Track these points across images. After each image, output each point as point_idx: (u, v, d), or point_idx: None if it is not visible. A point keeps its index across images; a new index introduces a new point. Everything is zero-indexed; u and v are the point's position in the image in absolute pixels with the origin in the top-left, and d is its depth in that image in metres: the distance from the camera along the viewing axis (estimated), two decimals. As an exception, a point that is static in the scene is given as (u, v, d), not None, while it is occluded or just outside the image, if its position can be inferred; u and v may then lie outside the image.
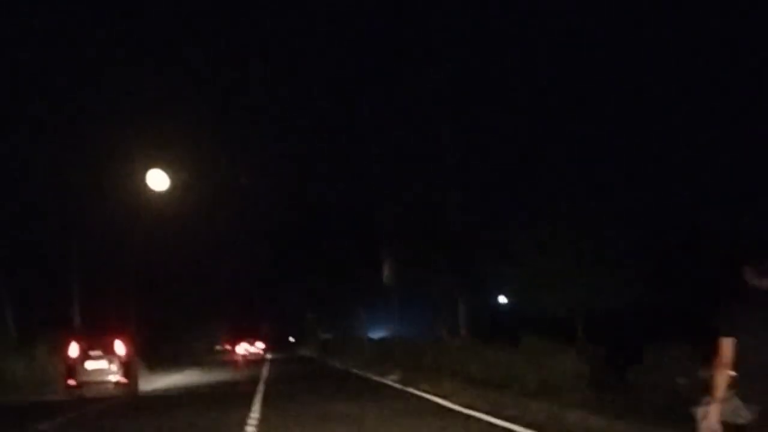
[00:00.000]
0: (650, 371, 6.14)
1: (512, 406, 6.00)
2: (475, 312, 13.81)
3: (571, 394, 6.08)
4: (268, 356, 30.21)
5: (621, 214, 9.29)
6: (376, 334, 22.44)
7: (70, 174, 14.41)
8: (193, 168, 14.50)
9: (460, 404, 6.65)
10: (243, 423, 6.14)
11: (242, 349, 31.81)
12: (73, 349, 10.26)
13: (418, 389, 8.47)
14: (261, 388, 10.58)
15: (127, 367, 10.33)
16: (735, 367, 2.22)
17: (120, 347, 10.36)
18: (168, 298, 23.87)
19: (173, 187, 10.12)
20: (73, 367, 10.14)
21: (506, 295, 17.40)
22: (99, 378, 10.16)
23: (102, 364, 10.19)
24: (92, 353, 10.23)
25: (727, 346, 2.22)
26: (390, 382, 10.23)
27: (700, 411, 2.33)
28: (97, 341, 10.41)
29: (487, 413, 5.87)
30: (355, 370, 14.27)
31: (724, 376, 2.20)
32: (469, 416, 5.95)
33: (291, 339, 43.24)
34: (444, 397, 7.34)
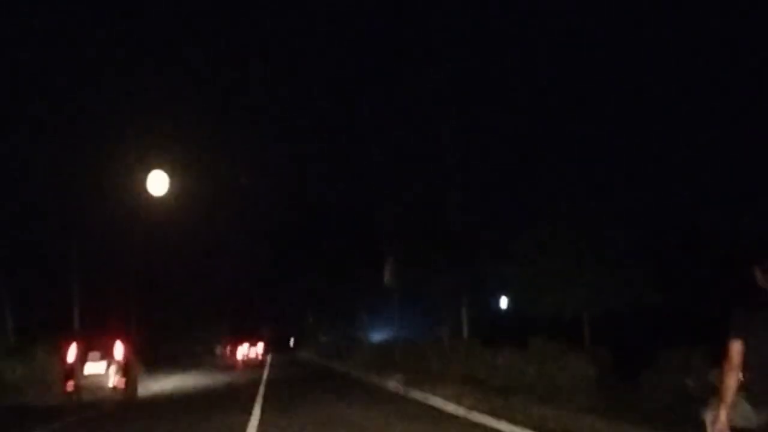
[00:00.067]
0: (659, 374, 6.05)
1: (518, 411, 5.89)
2: (477, 313, 13.73)
3: (579, 398, 5.97)
4: (268, 358, 30.11)
5: (623, 214, 9.24)
6: (377, 337, 22.34)
7: (70, 174, 14.36)
8: (193, 168, 14.47)
9: (464, 408, 6.55)
10: (244, 427, 6.06)
11: (242, 351, 31.69)
12: (72, 352, 10.16)
13: (421, 392, 8.35)
14: (261, 391, 10.51)
15: (126, 369, 10.22)
16: (744, 370, 2.18)
17: (119, 350, 10.25)
18: (168, 300, 23.78)
19: (173, 188, 10.04)
20: (72, 370, 10.04)
21: (507, 297, 17.31)
22: (97, 381, 10.05)
23: (100, 366, 10.09)
24: (91, 356, 10.12)
25: (736, 348, 2.17)
26: (392, 386, 10.14)
27: (708, 414, 2.27)
28: (95, 343, 10.31)
29: (493, 417, 5.77)
30: (356, 373, 14.20)
31: (732, 378, 2.15)
32: (473, 421, 5.86)
33: (291, 341, 43.13)
34: (447, 400, 7.22)
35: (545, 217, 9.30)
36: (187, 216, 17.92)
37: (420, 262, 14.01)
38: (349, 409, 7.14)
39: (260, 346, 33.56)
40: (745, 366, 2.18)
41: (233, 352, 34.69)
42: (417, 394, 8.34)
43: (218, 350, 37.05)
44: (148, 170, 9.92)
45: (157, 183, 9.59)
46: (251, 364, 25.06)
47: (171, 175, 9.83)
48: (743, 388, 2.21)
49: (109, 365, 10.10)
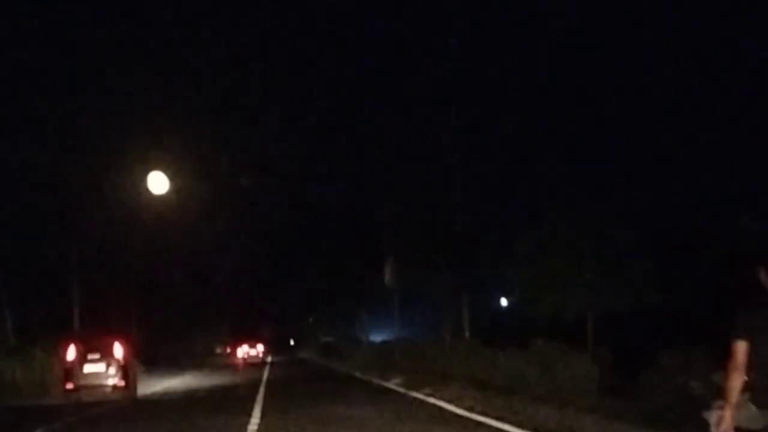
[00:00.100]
0: (661, 374, 6.02)
1: (521, 411, 5.86)
2: (477, 314, 13.70)
3: (582, 399, 5.94)
4: (269, 359, 30.07)
5: (624, 214, 9.22)
6: (378, 337, 22.30)
7: (70, 174, 14.35)
8: (193, 168, 14.45)
9: (466, 409, 6.52)
10: (244, 427, 6.03)
11: (242, 351, 31.69)
12: (71, 352, 10.12)
13: (422, 393, 8.32)
14: (262, 391, 10.46)
15: (125, 370, 10.18)
16: (749, 371, 2.14)
17: (118, 350, 10.22)
18: (168, 300, 23.77)
19: (173, 188, 10.02)
20: (71, 371, 10.00)
21: (507, 297, 17.28)
22: (97, 381, 10.02)
23: (100, 367, 10.05)
24: (90, 356, 10.09)
25: (740, 348, 2.14)
26: (393, 386, 10.09)
27: (713, 416, 2.25)
28: (95, 344, 10.28)
29: (495, 418, 5.74)
30: (356, 374, 14.17)
31: (737, 379, 2.12)
32: (475, 421, 5.81)
33: (291, 342, 43.11)
34: (449, 401, 7.21)
35: (546, 217, 9.29)
36: (188, 216, 17.91)
37: (420, 262, 14.00)
38: (350, 409, 7.11)
39: (260, 347, 33.55)
40: (750, 366, 2.15)
41: (233, 352, 34.66)
42: (418, 395, 8.31)
43: (218, 350, 37.03)
44: (148, 170, 9.92)
45: (157, 183, 9.58)
46: (251, 364, 24.99)
47: (171, 176, 9.83)
48: (748, 389, 2.17)
49: (108, 365, 10.08)
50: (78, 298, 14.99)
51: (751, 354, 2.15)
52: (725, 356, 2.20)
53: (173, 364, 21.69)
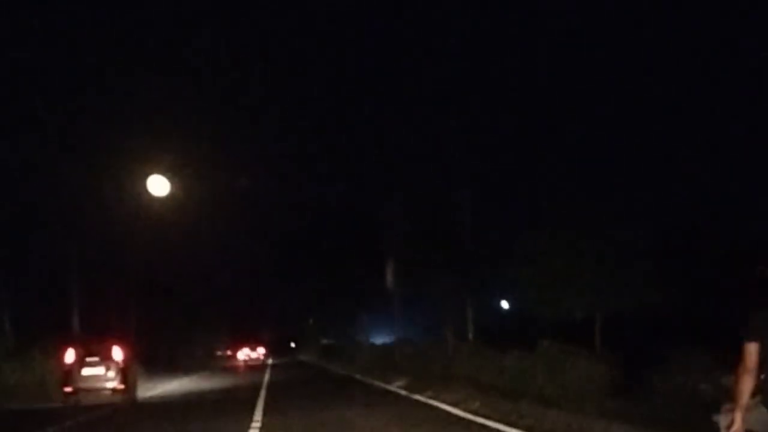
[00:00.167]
0: (671, 377, 5.90)
1: (528, 415, 5.74)
2: (479, 315, 13.59)
3: (590, 402, 5.82)
4: (269, 361, 29.94)
5: (629, 213, 9.12)
6: (378, 339, 22.17)
7: (70, 174, 14.29)
8: (193, 169, 14.35)
9: (471, 412, 6.40)
10: (245, 430, 5.91)
11: (243, 354, 31.56)
12: (69, 355, 10.02)
13: (425, 396, 8.20)
14: (263, 394, 10.36)
15: (125, 373, 10.07)
16: (760, 373, 2.10)
17: (117, 353, 10.12)
18: (168, 302, 23.66)
19: (173, 190, 9.94)
20: (69, 374, 9.90)
21: (510, 298, 17.17)
22: (96, 384, 9.91)
23: (99, 370, 9.94)
24: (89, 359, 9.98)
25: (751, 350, 2.10)
26: (395, 389, 9.98)
27: (722, 419, 2.19)
28: (94, 346, 10.18)
29: (501, 422, 5.62)
30: (358, 376, 14.05)
31: (747, 381, 2.08)
32: (481, 425, 5.69)
33: (292, 344, 42.98)
34: (453, 404, 7.09)
35: (550, 217, 9.20)
36: (187, 217, 17.82)
37: (421, 262, 13.90)
38: (352, 412, 7.00)
39: (261, 349, 33.37)
40: (761, 368, 2.10)
41: (234, 355, 34.50)
42: (421, 397, 8.19)
43: (219, 353, 36.90)
44: (149, 171, 9.83)
45: (158, 184, 9.50)
46: (252, 367, 24.86)
47: (171, 176, 9.75)
48: (759, 391, 2.12)
49: (107, 368, 9.97)
50: (78, 299, 14.88)
51: (762, 355, 2.09)
52: (735, 358, 2.16)
53: (174, 367, 21.56)
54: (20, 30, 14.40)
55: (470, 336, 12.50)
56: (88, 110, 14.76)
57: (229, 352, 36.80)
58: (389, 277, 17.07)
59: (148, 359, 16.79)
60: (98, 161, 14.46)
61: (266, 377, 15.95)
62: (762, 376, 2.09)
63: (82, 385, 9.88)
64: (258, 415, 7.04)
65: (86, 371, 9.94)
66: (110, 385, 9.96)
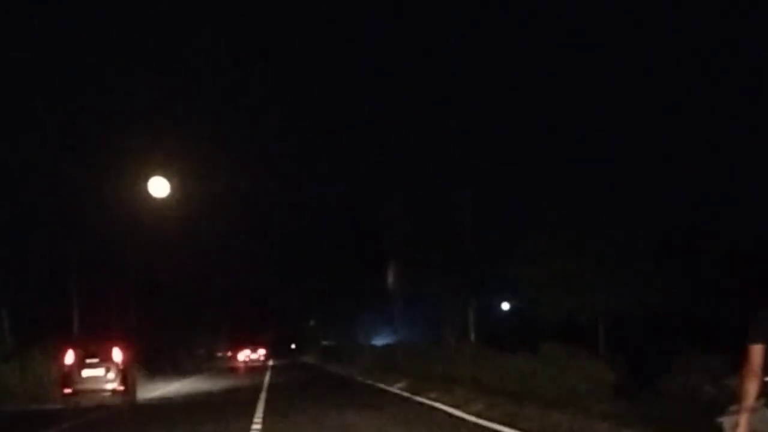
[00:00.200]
0: (676, 379, 5.83)
1: (531, 417, 5.67)
2: (480, 316, 13.51)
3: (595, 404, 5.74)
4: (270, 363, 29.85)
5: (632, 214, 9.05)
6: (380, 339, 22.09)
7: (70, 174, 14.25)
8: (193, 169, 14.31)
9: (474, 414, 6.33)
10: (245, 433, 5.87)
11: (243, 355, 31.48)
12: (69, 356, 9.95)
13: (428, 398, 8.13)
14: (263, 396, 10.28)
15: (124, 374, 10.00)
16: (765, 375, 2.04)
17: (117, 354, 10.05)
18: (169, 304, 23.59)
19: (173, 191, 9.88)
20: (69, 375, 9.82)
21: (511, 300, 17.08)
22: (95, 386, 9.83)
23: (98, 371, 9.87)
24: (88, 360, 9.91)
25: (757, 352, 2.05)
26: (397, 390, 9.89)
27: (727, 421, 2.14)
28: (94, 348, 10.11)
29: (504, 424, 5.55)
30: (359, 378, 13.98)
31: (753, 383, 2.03)
32: (484, 427, 5.63)
33: (292, 346, 42.90)
34: (456, 406, 7.02)
35: (550, 217, 9.13)
36: (188, 218, 17.77)
37: (422, 262, 13.83)
38: (353, 414, 6.94)
39: (261, 351, 33.28)
40: (766, 370, 2.05)
41: (234, 356, 34.41)
42: (423, 399, 8.11)
43: (219, 354, 36.80)
44: (149, 171, 9.78)
45: (158, 186, 9.45)
46: (252, 368, 24.78)
47: (170, 176, 9.69)
48: (764, 393, 2.06)
49: (107, 369, 9.90)
50: (77, 299, 14.82)
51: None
52: (740, 359, 2.12)
53: (174, 368, 21.48)
54: (20, 30, 14.40)
55: (472, 337, 12.41)
56: (88, 110, 14.75)
57: (229, 354, 36.71)
58: (390, 278, 16.99)
59: (148, 360, 16.71)
60: (98, 161, 14.44)
61: (267, 379, 15.87)
62: (767, 378, 2.04)
63: (82, 386, 9.81)
64: (258, 417, 6.97)
65: (86, 373, 9.87)
66: (110, 386, 9.88)
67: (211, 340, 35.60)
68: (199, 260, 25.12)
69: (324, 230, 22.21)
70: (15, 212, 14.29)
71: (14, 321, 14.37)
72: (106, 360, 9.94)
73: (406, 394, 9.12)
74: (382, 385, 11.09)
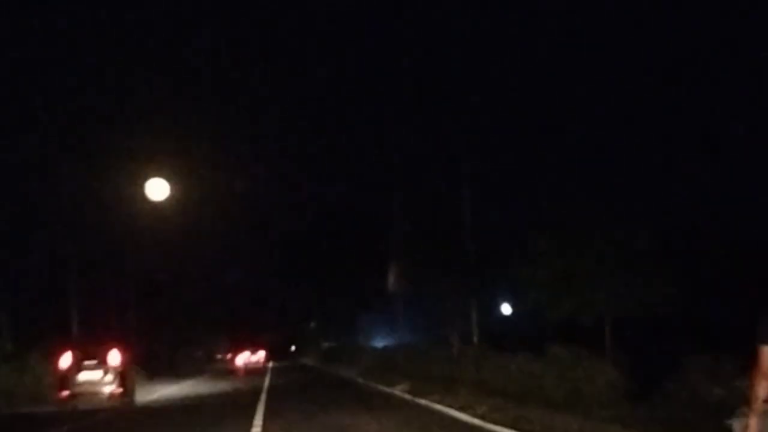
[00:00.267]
0: (684, 381, 5.71)
1: (537, 420, 5.54)
2: (483, 317, 13.40)
3: (603, 408, 5.61)
4: (270, 365, 29.71)
5: (635, 213, 8.96)
6: (380, 342, 21.96)
7: (70, 175, 14.18)
8: (193, 170, 14.25)
9: (478, 417, 6.21)
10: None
11: (243, 357, 31.33)
12: (66, 359, 9.84)
13: (430, 400, 8.00)
14: (263, 398, 10.18)
15: (123, 377, 9.90)
16: None
17: (115, 356, 9.94)
18: (168, 306, 23.49)
19: (173, 191, 9.81)
20: (66, 377, 9.72)
21: (511, 300, 16.96)
22: (93, 389, 9.73)
23: (96, 374, 9.76)
24: (86, 363, 9.80)
25: (767, 354, 2.00)
26: (398, 392, 9.78)
27: (737, 424, 2.06)
28: (91, 350, 10.01)
29: (509, 427, 5.44)
30: (360, 380, 13.87)
31: (763, 386, 2.00)
32: (488, 430, 5.52)
33: (292, 348, 42.75)
34: (459, 409, 6.90)
35: (550, 217, 9.04)
36: (188, 218, 17.68)
37: (423, 263, 13.73)
38: (355, 417, 6.82)
39: (261, 353, 33.12)
40: None
41: (234, 359, 34.27)
42: (426, 402, 7.99)
43: (219, 356, 36.66)
44: (148, 172, 9.71)
45: (157, 188, 9.37)
46: (252, 371, 24.64)
47: (170, 176, 9.61)
48: None
49: (105, 372, 9.78)
50: (77, 300, 14.72)
51: None
52: (751, 362, 2.06)
53: (173, 371, 21.35)
54: (20, 30, 14.35)
55: (475, 339, 12.28)
56: (88, 110, 14.68)
57: (228, 356, 36.54)
58: (390, 278, 16.87)
59: (147, 362, 16.59)
60: (98, 161, 14.37)
61: (266, 381, 15.77)
62: None
63: (79, 389, 9.70)
64: (258, 420, 6.86)
65: (83, 375, 9.77)
66: (108, 389, 9.77)
67: (211, 342, 35.46)
68: (199, 260, 25.03)
69: (324, 230, 22.12)
70: (15, 212, 14.23)
71: (13, 322, 14.27)
72: (104, 362, 9.83)
73: (407, 396, 9.01)
74: (383, 387, 10.99)
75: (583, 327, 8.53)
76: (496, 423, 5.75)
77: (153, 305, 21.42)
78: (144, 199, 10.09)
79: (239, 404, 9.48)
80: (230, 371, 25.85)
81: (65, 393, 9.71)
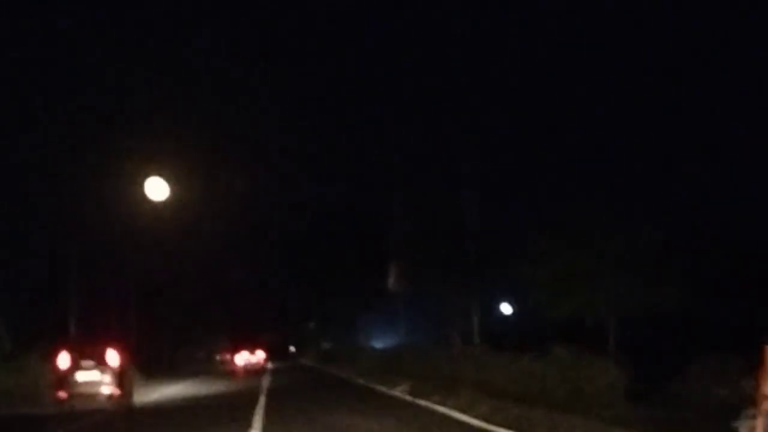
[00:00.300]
0: (691, 382, 5.64)
1: (540, 421, 5.47)
2: (484, 318, 13.33)
3: (607, 409, 5.55)
4: (269, 366, 29.65)
5: (640, 214, 8.91)
6: (381, 342, 21.89)
7: (70, 175, 14.17)
8: (193, 170, 14.21)
9: (480, 418, 6.14)
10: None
11: (242, 358, 31.26)
12: (63, 360, 9.77)
13: (431, 401, 7.94)
14: (262, 399, 10.12)
15: (121, 377, 9.81)
16: None
17: (113, 357, 9.86)
18: (167, 307, 23.43)
19: (173, 191, 9.76)
20: (63, 378, 9.63)
21: (511, 301, 16.92)
22: (91, 389, 9.63)
23: (94, 374, 9.67)
24: (84, 363, 9.72)
25: None
26: (399, 393, 9.71)
27: (743, 425, 2.01)
28: (89, 351, 9.92)
29: (512, 428, 5.38)
30: (360, 381, 13.79)
31: None
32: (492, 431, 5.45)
33: (292, 348, 42.71)
34: (461, 410, 6.83)
35: (550, 217, 9.00)
36: (188, 218, 17.65)
37: (423, 263, 13.67)
38: (355, 418, 6.75)
39: (260, 353, 33.06)
40: None
41: (233, 359, 34.20)
42: (427, 403, 7.93)
43: (218, 357, 36.60)
44: (148, 172, 9.67)
45: (157, 189, 9.33)
46: (252, 372, 24.57)
47: (170, 177, 9.57)
48: None
49: (103, 373, 9.71)
50: (76, 300, 14.68)
51: None
52: (756, 362, 1.95)
53: (172, 372, 21.29)
54: (20, 30, 14.35)
55: (476, 340, 12.22)
56: (88, 110, 14.66)
57: (228, 356, 36.47)
58: (391, 279, 16.81)
59: (146, 363, 16.51)
60: (98, 161, 14.35)
61: (266, 382, 15.69)
62: None
63: (77, 390, 9.61)
64: (258, 422, 6.80)
65: (81, 376, 9.68)
66: (105, 390, 9.69)
67: (210, 343, 35.40)
68: (199, 260, 24.99)
69: (324, 230, 22.07)
70: (15, 212, 14.20)
71: (12, 322, 14.22)
72: (101, 363, 9.75)
73: (408, 397, 8.94)
74: (383, 388, 10.91)
75: (584, 327, 8.48)
76: (497, 424, 5.67)
77: (153, 305, 21.37)
78: (144, 199, 10.05)
79: (239, 405, 9.41)
80: (230, 371, 25.79)
81: (62, 394, 9.64)
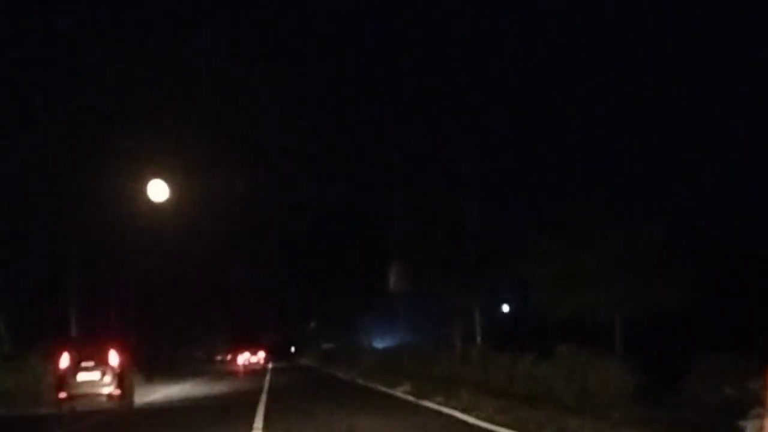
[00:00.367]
0: (698, 383, 5.62)
1: (545, 422, 5.43)
2: (485, 318, 13.33)
3: (615, 409, 5.52)
4: (270, 366, 29.64)
5: (640, 214, 8.90)
6: (382, 342, 21.88)
7: (70, 175, 14.16)
8: (193, 170, 14.20)
9: (483, 419, 6.09)
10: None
11: (243, 358, 31.25)
12: (64, 360, 9.74)
13: (433, 402, 7.90)
14: (263, 399, 10.08)
15: (121, 378, 9.79)
16: None
17: (114, 357, 9.84)
18: (168, 307, 23.43)
19: (173, 191, 9.76)
20: (64, 379, 9.61)
21: (511, 301, 16.92)
22: (91, 390, 9.62)
23: (94, 375, 9.65)
24: (84, 364, 9.69)
25: None
26: (400, 394, 9.66)
27: (750, 425, 2.01)
28: (90, 351, 9.90)
29: (516, 429, 5.32)
30: (360, 381, 13.79)
31: None
32: (496, 433, 5.43)
33: (292, 348, 42.71)
34: (464, 410, 6.79)
35: (550, 217, 9.00)
36: (188, 218, 17.64)
37: (424, 263, 13.67)
38: (356, 419, 6.71)
39: (261, 354, 33.07)
40: None
41: (234, 359, 34.21)
42: (429, 404, 7.89)
43: (219, 357, 36.59)
44: (148, 173, 9.67)
45: (157, 191, 9.34)
46: (252, 372, 24.57)
47: (170, 177, 9.57)
48: None
49: (103, 373, 9.69)
50: (76, 300, 14.67)
51: None
52: (763, 361, 1.97)
53: (173, 372, 21.28)
54: (20, 30, 14.33)
55: (478, 340, 12.21)
56: (88, 110, 14.65)
57: (228, 356, 36.48)
58: (391, 279, 16.82)
59: (147, 363, 16.50)
60: (98, 161, 14.34)
61: (267, 382, 15.65)
62: None
63: (77, 390, 9.58)
64: (259, 422, 6.78)
65: (81, 376, 9.65)
66: (106, 390, 9.66)
67: (211, 343, 35.40)
68: (199, 260, 24.98)
69: (324, 230, 22.07)
70: (15, 212, 14.19)
71: (13, 322, 14.20)
72: (102, 363, 9.72)
73: (410, 398, 8.88)
74: (384, 389, 10.88)
75: (585, 327, 8.47)
76: (501, 425, 5.61)
77: (153, 305, 21.35)
78: (144, 199, 10.05)
79: (239, 405, 9.37)
80: (230, 372, 25.78)
81: (62, 395, 9.60)
